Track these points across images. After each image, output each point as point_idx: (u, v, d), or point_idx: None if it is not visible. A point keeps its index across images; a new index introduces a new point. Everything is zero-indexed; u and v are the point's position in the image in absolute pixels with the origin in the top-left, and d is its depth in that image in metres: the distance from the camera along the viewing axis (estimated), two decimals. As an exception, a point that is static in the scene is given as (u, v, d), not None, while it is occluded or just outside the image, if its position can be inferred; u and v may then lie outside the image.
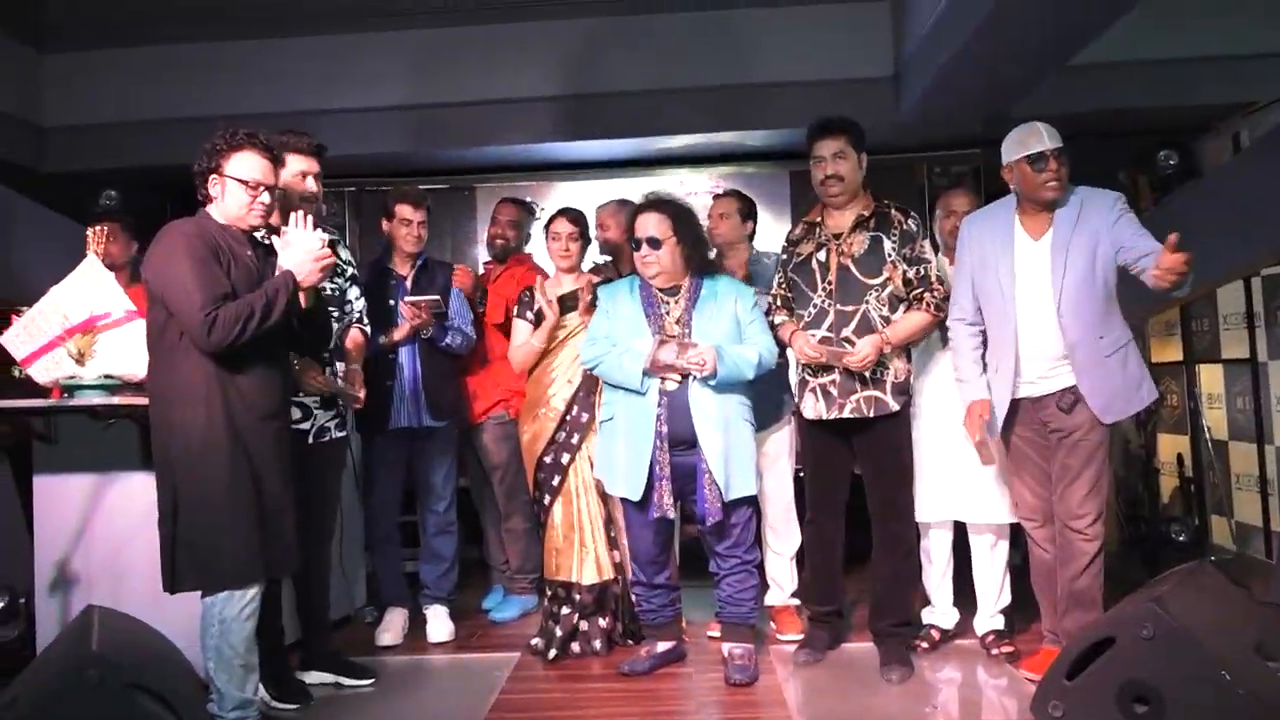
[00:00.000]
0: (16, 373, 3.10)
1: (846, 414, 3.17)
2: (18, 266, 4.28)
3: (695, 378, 3.09)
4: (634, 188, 4.86)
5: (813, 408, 3.23)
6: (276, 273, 2.63)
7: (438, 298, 3.68)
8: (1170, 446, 5.28)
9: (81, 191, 5.11)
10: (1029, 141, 2.99)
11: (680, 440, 3.12)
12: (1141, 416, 5.04)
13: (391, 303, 3.70)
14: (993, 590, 3.44)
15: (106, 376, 3.00)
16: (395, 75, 5.10)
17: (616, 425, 3.22)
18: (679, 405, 3.12)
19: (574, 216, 3.72)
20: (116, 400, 2.94)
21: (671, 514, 3.17)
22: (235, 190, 2.62)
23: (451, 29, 5.08)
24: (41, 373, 3.06)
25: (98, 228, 3.28)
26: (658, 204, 3.27)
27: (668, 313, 3.22)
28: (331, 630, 3.41)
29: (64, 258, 3.24)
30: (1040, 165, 2.96)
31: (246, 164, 2.63)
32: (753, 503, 3.23)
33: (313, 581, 3.22)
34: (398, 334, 3.65)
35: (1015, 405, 3.09)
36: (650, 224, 3.21)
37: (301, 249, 2.62)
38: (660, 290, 3.26)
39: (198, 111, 4.71)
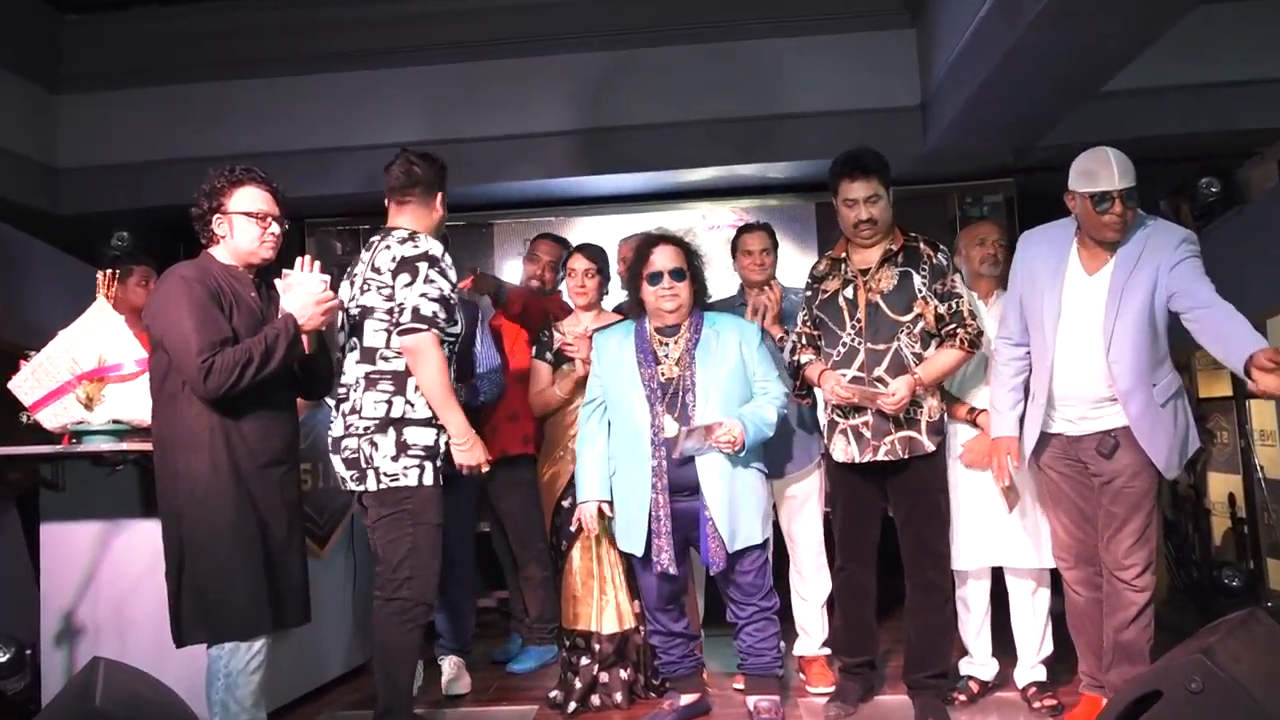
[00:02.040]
0: (24, 419, 3.14)
1: (881, 456, 3.12)
2: (30, 310, 4.36)
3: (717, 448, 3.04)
4: (655, 222, 4.88)
5: (844, 450, 3.18)
6: (279, 315, 2.66)
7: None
8: (1221, 486, 5.18)
9: (95, 234, 5.20)
10: (1097, 175, 2.84)
11: (683, 486, 3.09)
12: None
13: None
14: (1034, 639, 3.37)
15: (115, 421, 3.03)
16: (411, 111, 5.19)
17: (620, 478, 3.20)
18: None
19: (590, 253, 3.73)
20: (124, 446, 2.97)
21: (673, 569, 3.11)
22: (244, 225, 2.66)
23: (467, 64, 5.16)
24: (50, 419, 3.09)
25: (109, 271, 3.33)
26: (671, 238, 3.27)
27: (666, 355, 3.19)
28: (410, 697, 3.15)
29: (77, 301, 3.29)
30: (1104, 206, 2.82)
31: (250, 198, 2.68)
32: (764, 547, 3.19)
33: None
34: None
35: (1049, 440, 3.05)
36: (670, 255, 3.20)
37: (303, 291, 2.65)
38: (658, 331, 3.23)
39: (212, 151, 4.80)
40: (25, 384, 3.09)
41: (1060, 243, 3.01)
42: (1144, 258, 2.85)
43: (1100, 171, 2.84)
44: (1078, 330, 2.93)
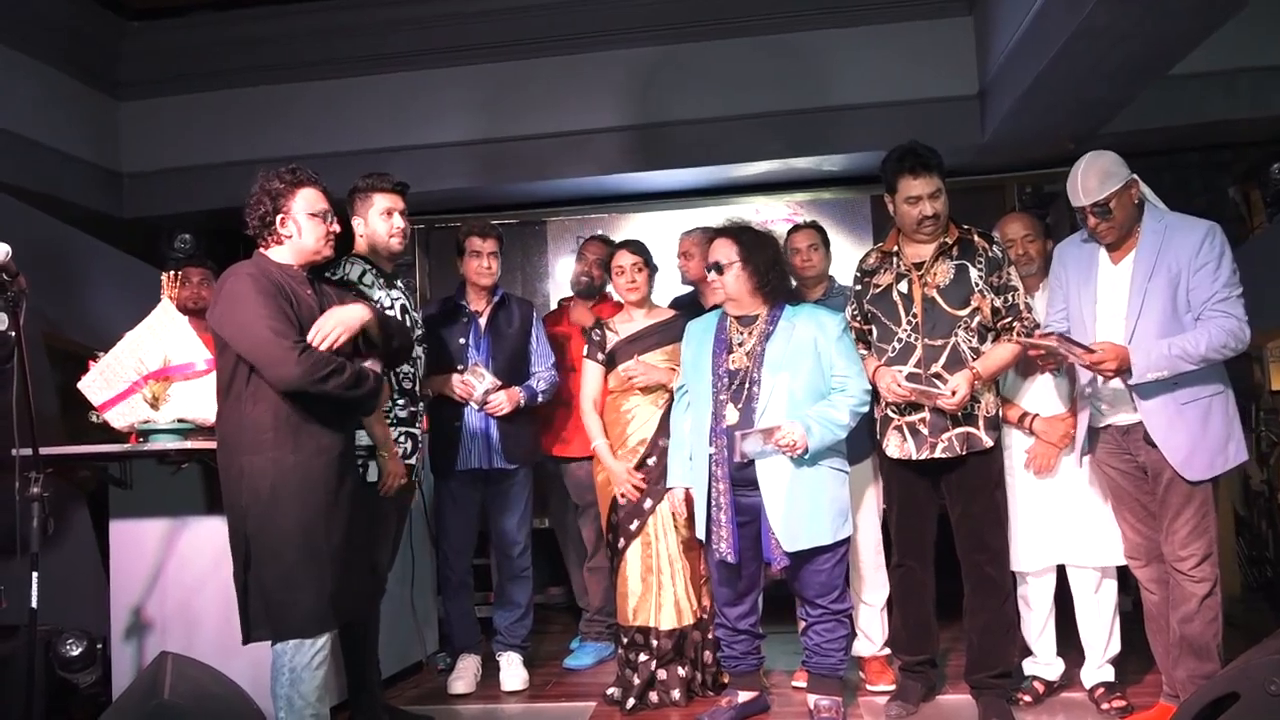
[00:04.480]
0: (94, 418, 3.22)
1: (939, 454, 3.09)
2: (98, 313, 4.46)
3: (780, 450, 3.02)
4: (708, 217, 4.86)
5: (899, 447, 3.15)
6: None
7: (498, 382, 3.69)
8: (1296, 481, 5.02)
9: (158, 236, 5.32)
10: (1071, 191, 2.93)
11: (745, 481, 3.07)
12: (1263, 449, 4.80)
13: (462, 341, 3.75)
14: (1100, 637, 3.29)
15: (180, 420, 3.10)
16: (463, 110, 5.21)
17: (693, 463, 3.21)
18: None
19: (634, 247, 3.70)
20: (188, 445, 3.03)
21: (730, 558, 3.10)
22: (310, 225, 2.73)
23: (518, 62, 5.17)
24: (118, 418, 3.17)
25: (173, 273, 3.40)
26: (727, 230, 3.27)
27: (740, 344, 3.19)
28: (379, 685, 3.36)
29: (141, 303, 3.37)
30: (1082, 218, 2.94)
31: (312, 198, 2.75)
32: (836, 549, 3.14)
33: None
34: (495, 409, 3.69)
35: (1101, 434, 3.03)
36: (717, 249, 3.21)
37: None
38: (737, 320, 3.23)
39: (270, 153, 4.87)
40: (94, 384, 3.17)
41: (1089, 241, 3.05)
42: (1163, 254, 2.86)
43: (1072, 186, 2.93)
44: (1112, 316, 2.93)
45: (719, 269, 3.18)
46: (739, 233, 3.24)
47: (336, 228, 2.80)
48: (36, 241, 4.30)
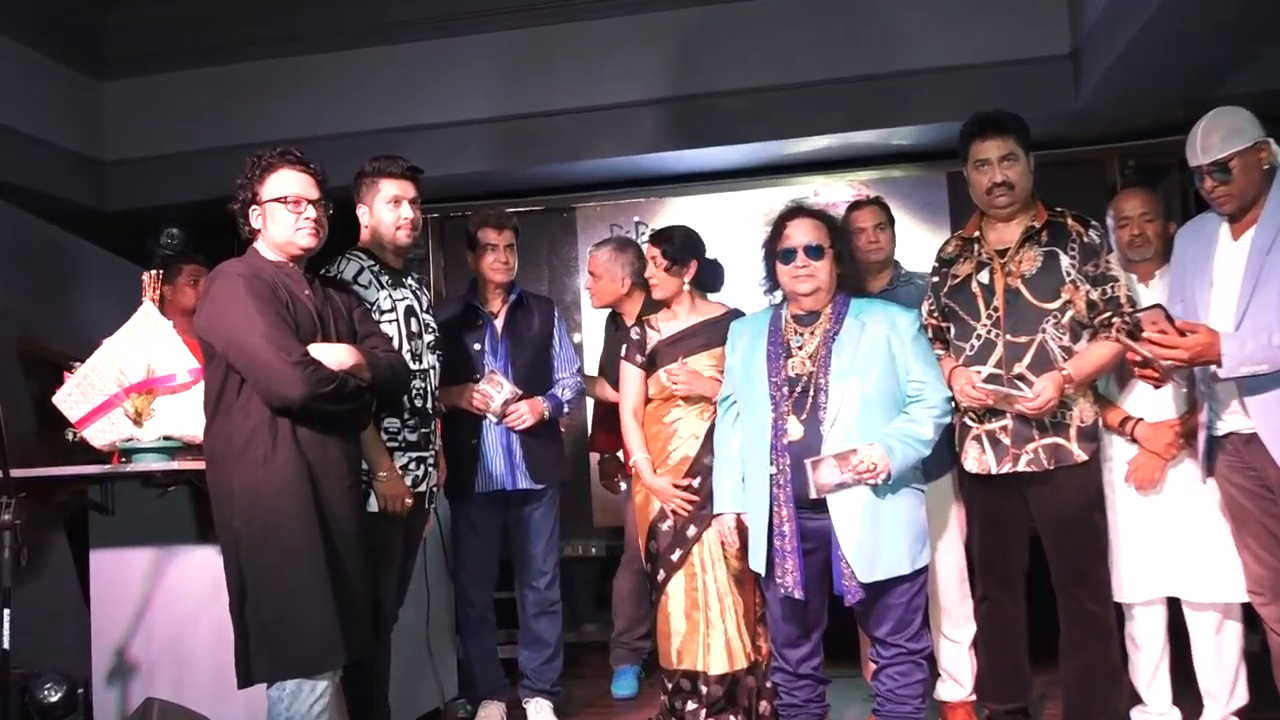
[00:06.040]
0: (71, 436, 3.24)
1: (1022, 467, 3.05)
2: (78, 317, 4.51)
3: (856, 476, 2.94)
4: (759, 200, 4.82)
5: (978, 459, 3.11)
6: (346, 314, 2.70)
7: (518, 391, 3.69)
8: None
9: (145, 231, 5.37)
10: (1190, 148, 2.89)
11: (811, 502, 2.97)
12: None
13: (477, 346, 3.73)
14: (1223, 685, 3.21)
15: (165, 438, 3.11)
16: (481, 84, 5.22)
17: (747, 486, 3.14)
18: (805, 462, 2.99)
19: (657, 238, 3.68)
20: (176, 465, 3.04)
21: (798, 593, 3.02)
22: (277, 212, 2.73)
23: (542, 28, 5.17)
24: (98, 435, 3.18)
25: (157, 272, 3.42)
26: (809, 210, 3.19)
27: (800, 347, 3.11)
28: None
29: (128, 306, 3.38)
30: (1200, 181, 2.89)
31: (282, 182, 2.73)
32: (915, 578, 3.05)
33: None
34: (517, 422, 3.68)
35: (1221, 444, 2.93)
36: (807, 230, 3.10)
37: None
38: (794, 319, 3.16)
39: (269, 135, 4.85)
40: (71, 398, 3.19)
41: (1212, 217, 3.00)
42: None
43: (1191, 142, 2.89)
44: (1225, 300, 2.87)
45: (817, 252, 3.09)
46: (824, 215, 3.18)
47: (312, 213, 2.74)
48: (8, 238, 4.35)
